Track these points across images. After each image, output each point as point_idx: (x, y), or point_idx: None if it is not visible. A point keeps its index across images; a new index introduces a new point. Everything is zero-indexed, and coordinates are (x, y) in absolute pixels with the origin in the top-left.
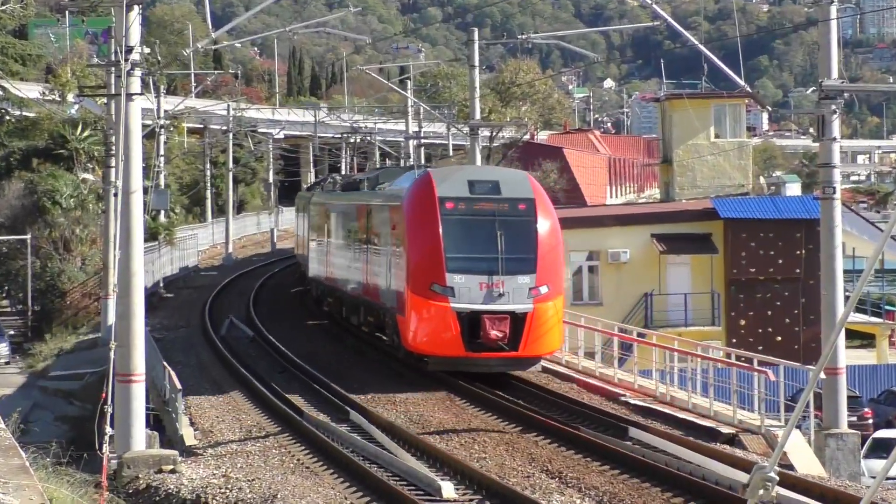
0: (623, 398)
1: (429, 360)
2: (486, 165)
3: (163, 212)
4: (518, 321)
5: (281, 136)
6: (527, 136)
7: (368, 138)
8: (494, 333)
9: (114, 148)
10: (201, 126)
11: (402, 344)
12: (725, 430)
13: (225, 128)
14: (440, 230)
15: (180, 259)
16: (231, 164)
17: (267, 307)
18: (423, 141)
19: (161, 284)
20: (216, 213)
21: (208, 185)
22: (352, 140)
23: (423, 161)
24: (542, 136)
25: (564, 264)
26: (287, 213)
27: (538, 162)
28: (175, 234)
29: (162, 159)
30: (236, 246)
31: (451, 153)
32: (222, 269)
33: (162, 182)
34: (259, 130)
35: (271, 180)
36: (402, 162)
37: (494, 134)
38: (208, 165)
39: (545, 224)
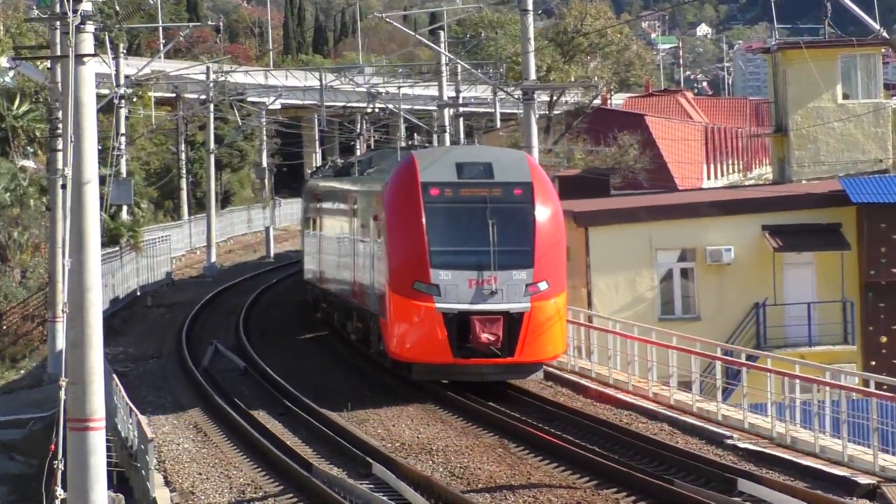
0: (729, 440)
1: (413, 369)
2: (481, 145)
3: (125, 208)
4: (513, 322)
5: (277, 106)
6: (597, 101)
7: (391, 107)
8: (486, 337)
9: (61, 126)
10: (173, 95)
11: (386, 351)
12: (864, 480)
13: (204, 97)
14: (423, 220)
15: (149, 269)
16: (212, 145)
17: (262, 330)
18: (461, 110)
19: (132, 298)
20: (194, 209)
21: (183, 171)
22: (369, 110)
23: (462, 136)
24: (618, 101)
25: (566, 257)
26: (287, 207)
27: (612, 134)
28: (142, 237)
29: (123, 139)
30: (221, 251)
31: (497, 124)
32: (203, 282)
33: (123, 169)
34: (248, 100)
35: (265, 164)
36: (435, 139)
37: (555, 99)
38: (183, 146)
39: (545, 211)
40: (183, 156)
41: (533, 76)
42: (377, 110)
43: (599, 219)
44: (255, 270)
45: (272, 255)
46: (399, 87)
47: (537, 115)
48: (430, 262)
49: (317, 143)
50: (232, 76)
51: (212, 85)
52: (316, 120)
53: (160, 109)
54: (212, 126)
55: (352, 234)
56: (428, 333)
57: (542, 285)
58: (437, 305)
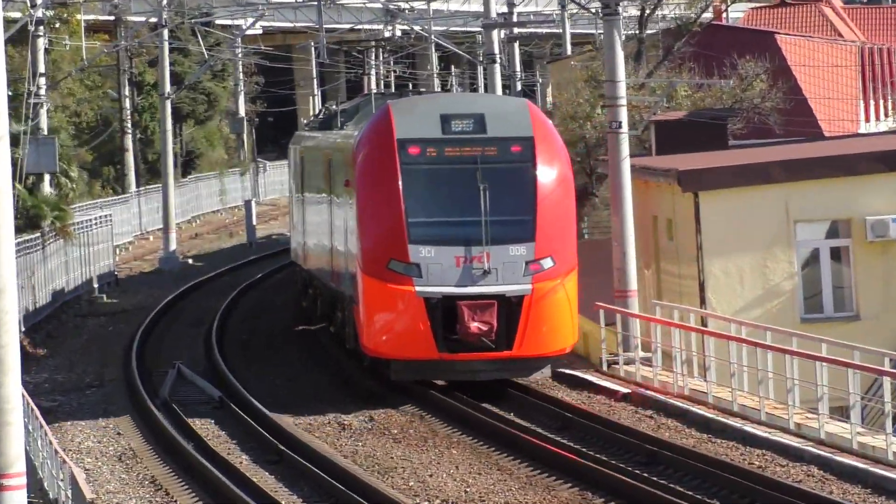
0: None
1: (392, 367)
2: (471, 93)
3: (48, 177)
4: (511, 308)
5: (257, 30)
6: (708, 15)
7: (418, 29)
8: (476, 326)
9: None
10: (111, 18)
11: (358, 346)
12: None
13: (154, 20)
14: (400, 185)
15: (83, 262)
16: (168, 88)
17: (242, 345)
18: (516, 31)
19: (60, 303)
20: (144, 178)
21: (128, 125)
22: (387, 34)
23: (519, 67)
24: (737, 14)
25: (576, 227)
26: (275, 172)
27: (730, 61)
28: (72, 218)
29: (43, 82)
30: (183, 235)
31: (567, 50)
32: (160, 279)
33: (44, 124)
34: (217, 22)
35: (242, 113)
36: (479, 73)
37: (649, 13)
38: (126, 90)
39: (549, 173)
40: (127, 103)
41: None
42: (399, 34)
43: (714, 180)
44: (231, 262)
45: (255, 239)
46: (429, 1)
47: (623, 37)
48: (408, 237)
49: (314, 82)
50: None
51: (165, 3)
52: (313, 50)
53: (94, 39)
54: (167, 61)
55: (329, 202)
56: (407, 323)
57: (546, 262)
58: (418, 289)
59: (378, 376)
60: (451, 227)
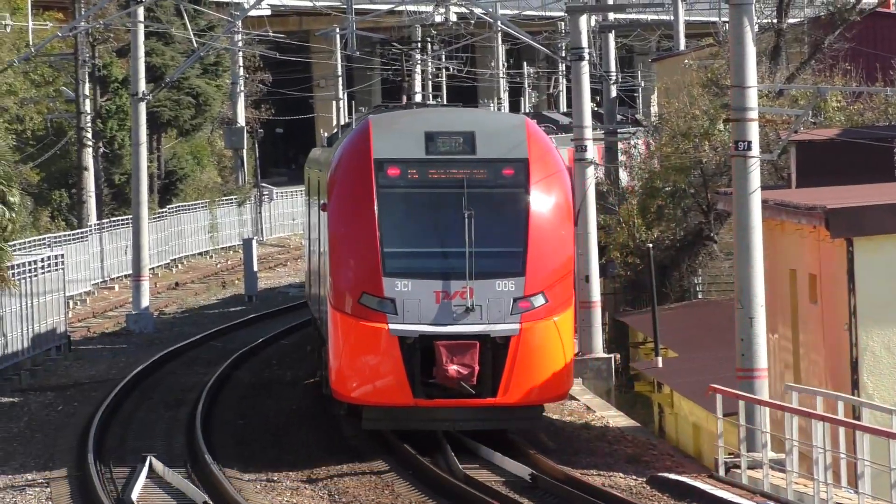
0: None
1: (364, 414)
2: (461, 107)
3: None
4: (496, 350)
5: (264, 10)
6: (869, 1)
7: (480, 14)
8: (454, 369)
9: None
10: None
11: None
12: None
13: None
14: (375, 211)
15: (24, 319)
16: (143, 86)
17: (237, 436)
18: (610, 18)
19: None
20: (108, 208)
21: (88, 135)
22: (438, 19)
23: (614, 64)
24: None
25: (573, 261)
26: (286, 201)
27: None
28: (9, 260)
29: None
30: (160, 284)
31: (680, 44)
32: (126, 343)
33: None
34: (211, 1)
35: (242, 121)
36: (560, 70)
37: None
38: (86, 88)
39: (545, 200)
40: (87, 106)
41: None
42: (453, 19)
43: (874, 222)
44: (223, 321)
45: (257, 291)
46: None
47: (757, 28)
48: (382, 269)
49: (339, 81)
50: None
51: None
52: (338, 38)
53: (44, 18)
54: (141, 49)
55: (318, 230)
56: (380, 365)
57: (538, 300)
58: (392, 327)
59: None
60: (431, 259)
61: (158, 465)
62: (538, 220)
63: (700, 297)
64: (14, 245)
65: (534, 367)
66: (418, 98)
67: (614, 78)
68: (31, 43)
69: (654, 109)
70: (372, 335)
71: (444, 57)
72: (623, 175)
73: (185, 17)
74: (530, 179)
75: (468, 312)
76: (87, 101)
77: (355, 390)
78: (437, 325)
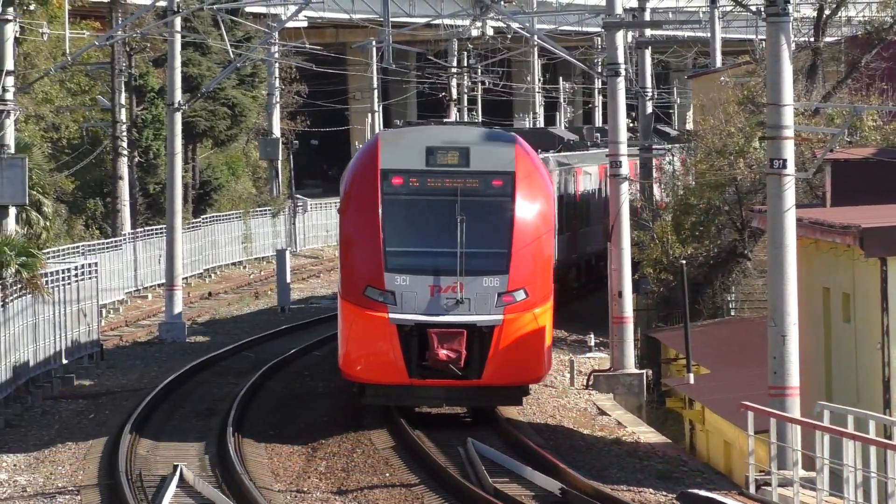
0: None
1: (367, 391)
2: (465, 125)
3: (13, 211)
4: (482, 338)
5: (301, 22)
6: None
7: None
8: (444, 353)
9: None
10: (105, 0)
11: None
12: None
13: (164, 3)
14: (380, 215)
15: (58, 326)
16: (178, 96)
17: (268, 447)
18: (647, 34)
19: (26, 380)
20: (143, 217)
21: (123, 145)
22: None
23: (649, 80)
24: None
25: (553, 262)
26: (320, 212)
27: None
28: (43, 267)
29: (10, 82)
30: (192, 294)
31: (717, 62)
32: (159, 352)
33: (10, 139)
34: (248, 10)
35: (277, 133)
36: (596, 86)
37: (828, 14)
38: (122, 98)
39: (528, 208)
40: (123, 115)
41: None
42: (490, 33)
43: None
44: (255, 332)
45: (290, 303)
46: None
47: (794, 46)
48: (384, 265)
49: (375, 94)
50: None
51: None
52: (374, 51)
53: (81, 27)
54: (178, 59)
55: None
56: (380, 349)
57: (519, 294)
58: (391, 316)
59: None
60: (427, 257)
61: (189, 475)
62: (522, 225)
63: (733, 314)
64: (48, 253)
65: (515, 353)
66: (454, 112)
67: (650, 94)
68: (67, 51)
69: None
70: (374, 323)
71: (480, 71)
72: (657, 191)
73: (222, 28)
74: (516, 190)
75: (458, 304)
76: (123, 111)
77: (360, 370)
78: (430, 315)
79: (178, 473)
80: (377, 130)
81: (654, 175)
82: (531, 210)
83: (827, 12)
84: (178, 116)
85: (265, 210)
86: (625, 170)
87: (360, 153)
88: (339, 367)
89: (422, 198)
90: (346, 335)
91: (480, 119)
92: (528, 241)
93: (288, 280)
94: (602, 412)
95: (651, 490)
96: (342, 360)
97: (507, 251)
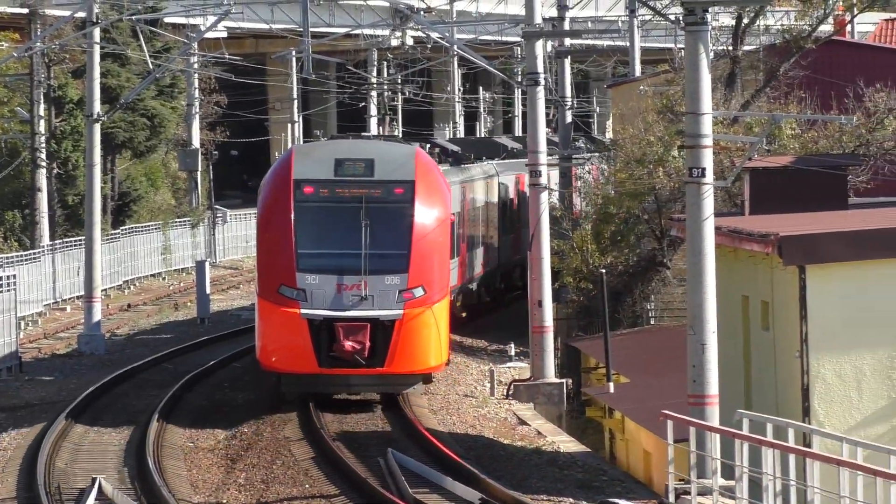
0: None
1: (282, 381)
2: (373, 139)
3: None
4: (384, 330)
5: (220, 32)
6: (827, 27)
7: (437, 38)
8: (349, 345)
9: None
10: (23, 11)
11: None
12: None
13: (82, 14)
14: (292, 220)
15: None
16: (98, 107)
17: (187, 458)
18: (567, 43)
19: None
20: (61, 229)
21: (41, 157)
22: (395, 42)
23: (569, 89)
24: (865, 27)
25: (450, 261)
26: (239, 223)
27: (855, 89)
28: None
29: None
30: (112, 306)
31: (635, 70)
32: (78, 364)
33: None
34: (167, 21)
35: (196, 144)
36: (516, 96)
37: (746, 23)
38: (41, 109)
39: (427, 213)
40: (41, 126)
41: None
42: (410, 42)
43: (827, 250)
44: (175, 343)
45: (209, 314)
46: (451, 0)
47: (712, 55)
48: (296, 266)
49: (295, 104)
50: None
51: None
52: (294, 61)
53: (0, 38)
54: (97, 70)
55: None
56: (292, 341)
57: (418, 291)
58: (302, 311)
59: None
60: (335, 258)
61: (108, 487)
62: (420, 229)
63: (653, 322)
64: None
65: (414, 344)
66: (374, 122)
67: (570, 103)
68: None
69: (608, 135)
70: (287, 317)
71: (400, 81)
72: (577, 200)
73: (141, 39)
74: (415, 197)
75: (362, 301)
76: (42, 122)
77: (275, 360)
78: (337, 310)
79: (96, 486)
80: (297, 140)
81: (575, 184)
82: (429, 215)
83: (745, 21)
84: (97, 128)
85: (185, 221)
86: (544, 179)
87: (276, 164)
88: (257, 358)
89: (330, 205)
90: (262, 329)
91: (401, 129)
92: (425, 244)
93: (207, 291)
94: (522, 422)
95: (571, 499)
96: (259, 352)
97: (406, 252)
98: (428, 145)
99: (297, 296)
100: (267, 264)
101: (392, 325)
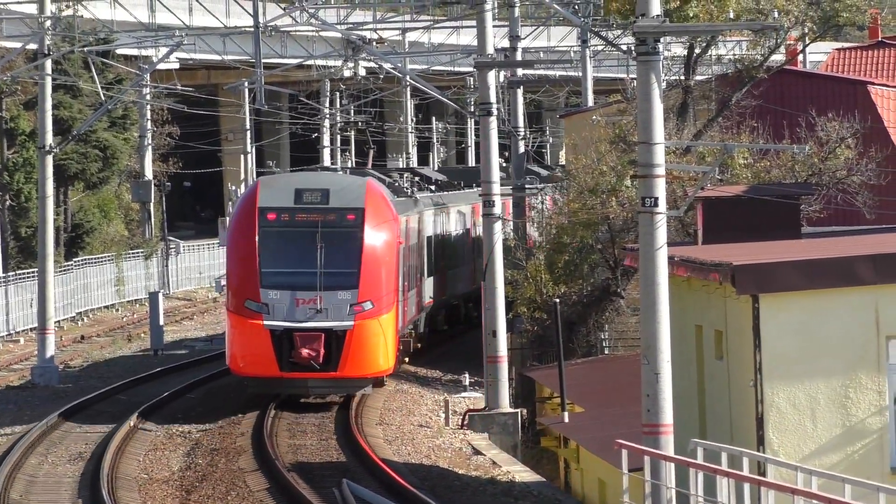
0: None
1: (249, 383)
2: (324, 171)
3: None
4: (337, 339)
5: (173, 63)
6: (779, 57)
7: (389, 68)
8: (306, 352)
9: None
10: None
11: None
12: None
13: (34, 46)
14: (256, 243)
15: None
16: (50, 138)
17: (143, 487)
18: (519, 73)
19: None
20: (14, 261)
21: None
22: (348, 73)
23: (522, 119)
24: (817, 56)
25: (398, 279)
26: (192, 255)
27: (808, 118)
28: None
29: None
30: (65, 338)
31: (588, 101)
32: (31, 397)
33: None
34: (119, 52)
35: (149, 175)
36: (469, 127)
37: (698, 53)
38: None
39: (375, 236)
40: None
41: (657, 9)
42: (362, 73)
43: (780, 279)
44: (129, 374)
45: (163, 345)
46: (404, 31)
47: (665, 85)
48: (260, 283)
49: (247, 135)
50: (90, 6)
51: (49, 23)
52: (246, 92)
53: None
54: (48, 102)
55: None
56: (257, 349)
57: (367, 305)
58: (265, 322)
59: None
60: (294, 276)
61: None
62: (369, 250)
63: (607, 352)
64: None
65: (364, 351)
66: (326, 152)
67: (522, 133)
68: None
69: (561, 163)
70: (252, 328)
71: (352, 111)
72: (531, 230)
73: (93, 70)
74: (365, 222)
75: (318, 313)
76: None
77: (242, 366)
78: (295, 322)
79: None
80: (249, 172)
81: (529, 214)
82: (378, 238)
83: (697, 51)
84: (50, 159)
85: (138, 252)
86: (498, 209)
87: (244, 194)
88: (227, 364)
89: (290, 229)
90: (230, 339)
91: (353, 160)
92: (374, 263)
93: (161, 322)
94: (477, 452)
95: None
96: (229, 359)
97: (356, 271)
98: (406, 174)
99: (260, 309)
100: (235, 281)
101: (344, 334)
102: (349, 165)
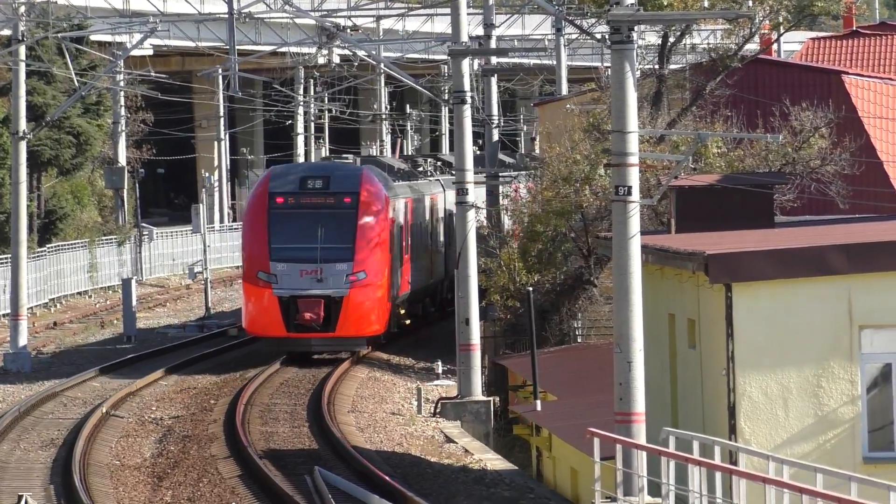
0: None
1: (262, 342)
2: (333, 161)
3: None
4: (335, 304)
5: (146, 50)
6: (753, 46)
7: (363, 55)
8: (308, 315)
9: None
10: None
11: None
12: None
13: (8, 32)
14: (267, 223)
15: None
16: (23, 125)
17: (115, 473)
18: (496, 61)
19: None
20: None
21: None
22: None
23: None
24: (792, 45)
25: (388, 253)
26: (165, 241)
27: (781, 108)
28: None
29: None
30: (38, 324)
31: (562, 89)
32: (2, 382)
33: None
34: (93, 39)
35: (123, 162)
36: (443, 114)
37: (672, 42)
38: None
39: (368, 217)
40: None
41: None
42: (337, 60)
43: (753, 269)
44: (101, 361)
45: (136, 332)
46: (378, 18)
47: (639, 73)
48: (270, 256)
49: (221, 122)
50: None
51: (23, 8)
52: (220, 79)
53: None
54: (22, 88)
55: None
56: (267, 312)
57: (361, 275)
58: (274, 291)
59: None
60: (298, 251)
61: None
62: (362, 229)
63: (580, 340)
64: None
65: (358, 315)
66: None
67: (496, 121)
68: None
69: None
70: (263, 295)
71: (326, 99)
72: (505, 219)
73: (67, 56)
74: (359, 205)
75: (318, 282)
76: None
77: (254, 327)
78: (300, 290)
79: (23, 503)
80: (223, 158)
81: (503, 202)
82: (370, 219)
83: (671, 40)
84: (23, 145)
85: (111, 239)
86: (471, 196)
87: (258, 182)
88: (243, 326)
89: (296, 211)
90: (245, 304)
91: (328, 147)
92: (366, 239)
93: (134, 309)
94: (449, 440)
95: None
96: (245, 321)
97: (351, 246)
98: (430, 159)
99: (270, 279)
100: (248, 256)
101: (341, 300)
102: (374, 154)
